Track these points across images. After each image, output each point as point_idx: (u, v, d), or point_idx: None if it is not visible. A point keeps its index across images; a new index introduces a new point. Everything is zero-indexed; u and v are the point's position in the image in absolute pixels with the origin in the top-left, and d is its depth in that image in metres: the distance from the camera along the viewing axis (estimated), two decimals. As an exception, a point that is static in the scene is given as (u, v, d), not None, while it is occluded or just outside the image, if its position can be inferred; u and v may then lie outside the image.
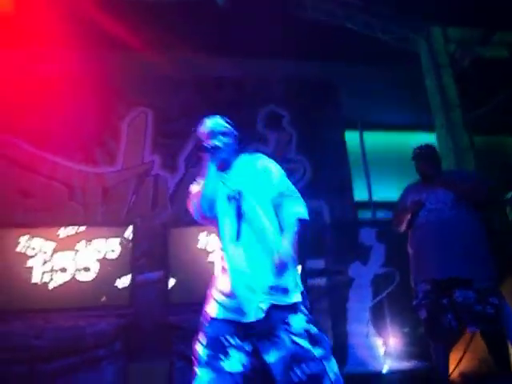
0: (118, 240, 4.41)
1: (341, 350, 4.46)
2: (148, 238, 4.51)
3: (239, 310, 1.99)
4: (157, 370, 4.02)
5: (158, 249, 4.48)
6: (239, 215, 2.13)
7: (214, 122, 2.29)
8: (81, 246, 4.35)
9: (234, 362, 1.93)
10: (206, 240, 4.63)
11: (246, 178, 2.21)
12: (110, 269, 4.31)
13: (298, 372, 1.93)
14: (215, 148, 2.15)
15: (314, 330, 2.01)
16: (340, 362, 4.25)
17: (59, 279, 4.20)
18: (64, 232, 4.37)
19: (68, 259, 4.27)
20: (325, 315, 4.56)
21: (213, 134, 2.24)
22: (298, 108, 5.49)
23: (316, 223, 4.99)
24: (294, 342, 1.95)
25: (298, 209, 2.13)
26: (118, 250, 4.40)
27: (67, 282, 4.18)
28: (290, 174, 5.21)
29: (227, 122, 2.30)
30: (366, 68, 5.68)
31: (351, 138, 5.85)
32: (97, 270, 4.28)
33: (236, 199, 2.16)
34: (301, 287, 2.07)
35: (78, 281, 4.20)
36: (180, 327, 4.17)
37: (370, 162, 5.96)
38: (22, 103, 4.59)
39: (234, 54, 5.42)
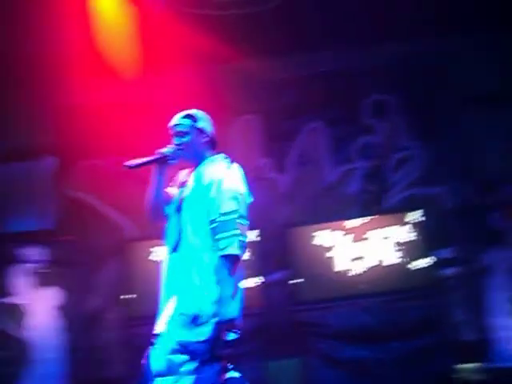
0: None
1: (482, 344, 4.18)
2: (271, 239, 4.66)
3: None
4: (292, 368, 4.14)
5: (281, 249, 4.63)
6: (180, 226, 1.98)
7: (174, 122, 2.13)
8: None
9: None
10: (324, 237, 4.68)
11: (193, 187, 2.02)
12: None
13: None
14: (157, 159, 1.99)
15: (178, 358, 1.78)
16: (483, 357, 4.02)
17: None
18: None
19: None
20: (460, 307, 4.30)
21: (173, 135, 2.10)
22: (405, 92, 5.22)
23: (439, 211, 4.73)
24: (148, 358, 1.84)
25: (224, 244, 1.84)
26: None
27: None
28: (404, 162, 5.08)
29: (189, 116, 2.10)
30: (475, 39, 5.23)
31: (466, 115, 5.42)
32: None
33: (180, 207, 2.01)
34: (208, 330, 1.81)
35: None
36: (311, 324, 4.26)
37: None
38: (143, 125, 5.02)
39: (332, 46, 5.34)
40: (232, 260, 1.83)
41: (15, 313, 3.89)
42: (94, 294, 4.59)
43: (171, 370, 1.75)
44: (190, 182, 2.04)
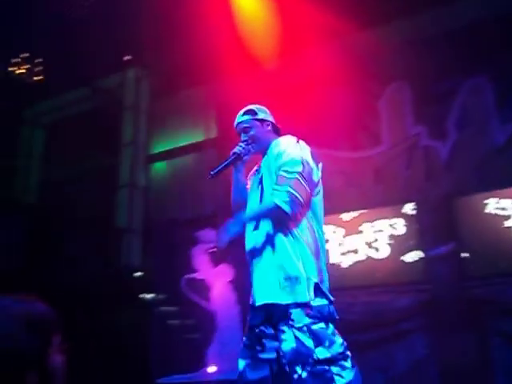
0: (399, 218, 4.48)
1: None
2: (430, 212, 4.39)
3: (252, 294, 2.01)
4: (467, 346, 3.87)
5: (442, 221, 4.32)
6: (260, 203, 2.09)
7: (236, 121, 2.24)
8: (365, 227, 4.62)
9: (269, 350, 1.92)
10: (497, 205, 4.20)
11: (268, 160, 2.11)
12: (397, 246, 4.42)
13: (298, 369, 1.80)
14: (232, 160, 2.13)
15: (318, 328, 1.82)
16: None
17: (354, 259, 4.58)
18: (348, 217, 4.73)
19: (357, 241, 4.61)
20: None
21: (239, 134, 2.22)
22: None
23: None
24: (296, 338, 1.82)
25: (276, 196, 1.91)
26: (401, 227, 4.47)
27: (361, 261, 4.52)
28: None
29: (248, 112, 2.21)
30: None
31: None
32: (385, 249, 4.46)
33: (260, 186, 2.11)
34: (307, 287, 1.86)
35: (371, 260, 4.47)
36: (486, 301, 3.91)
37: None
38: (290, 108, 5.17)
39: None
40: (277, 212, 1.90)
41: (199, 287, 4.49)
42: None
43: (320, 340, 1.80)
44: (264, 163, 2.16)
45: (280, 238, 1.96)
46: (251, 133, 2.19)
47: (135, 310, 4.82)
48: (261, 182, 2.11)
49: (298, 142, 2.10)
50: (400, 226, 4.48)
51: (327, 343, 1.80)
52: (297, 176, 1.92)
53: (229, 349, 4.41)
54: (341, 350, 1.81)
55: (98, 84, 6.56)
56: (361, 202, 4.77)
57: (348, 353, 1.82)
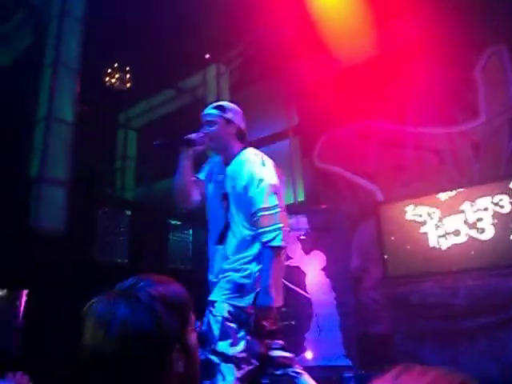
0: (505, 194, 4.12)
1: None
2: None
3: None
4: None
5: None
6: (226, 218, 2.08)
7: (204, 112, 2.18)
8: (466, 206, 4.31)
9: None
10: None
11: (235, 180, 2.09)
12: (503, 225, 4.07)
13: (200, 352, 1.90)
14: (182, 142, 2.10)
15: (229, 326, 1.91)
16: None
17: (455, 241, 4.30)
18: (445, 196, 4.45)
19: (457, 221, 4.32)
20: None
21: (203, 125, 2.17)
22: None
23: None
24: (208, 323, 1.95)
25: (268, 237, 1.94)
26: (507, 204, 4.11)
27: (464, 243, 4.23)
28: None
29: (218, 107, 2.15)
30: None
31: None
32: (490, 228, 4.13)
33: (226, 201, 2.09)
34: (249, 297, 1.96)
35: (476, 241, 4.17)
36: None
37: None
38: (375, 87, 4.97)
39: None
40: (276, 251, 1.94)
41: (294, 274, 4.53)
42: (353, 255, 4.88)
43: (227, 335, 1.91)
44: (229, 178, 2.12)
45: (239, 258, 2.04)
46: (213, 129, 2.15)
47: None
48: (226, 197, 2.11)
49: (262, 159, 2.10)
50: (506, 204, 4.11)
51: (231, 341, 1.90)
52: (279, 210, 1.98)
53: (325, 335, 4.41)
54: (239, 355, 1.89)
55: (181, 85, 6.85)
56: (458, 180, 4.46)
57: (243, 367, 1.87)
